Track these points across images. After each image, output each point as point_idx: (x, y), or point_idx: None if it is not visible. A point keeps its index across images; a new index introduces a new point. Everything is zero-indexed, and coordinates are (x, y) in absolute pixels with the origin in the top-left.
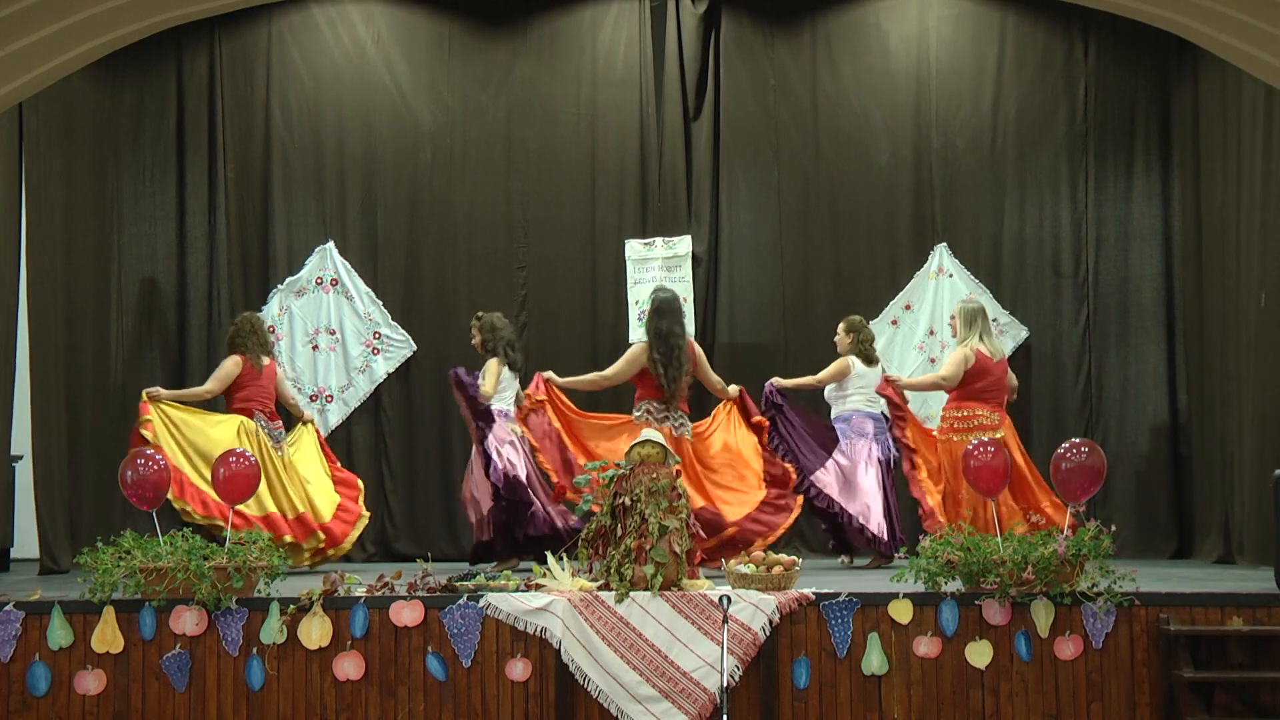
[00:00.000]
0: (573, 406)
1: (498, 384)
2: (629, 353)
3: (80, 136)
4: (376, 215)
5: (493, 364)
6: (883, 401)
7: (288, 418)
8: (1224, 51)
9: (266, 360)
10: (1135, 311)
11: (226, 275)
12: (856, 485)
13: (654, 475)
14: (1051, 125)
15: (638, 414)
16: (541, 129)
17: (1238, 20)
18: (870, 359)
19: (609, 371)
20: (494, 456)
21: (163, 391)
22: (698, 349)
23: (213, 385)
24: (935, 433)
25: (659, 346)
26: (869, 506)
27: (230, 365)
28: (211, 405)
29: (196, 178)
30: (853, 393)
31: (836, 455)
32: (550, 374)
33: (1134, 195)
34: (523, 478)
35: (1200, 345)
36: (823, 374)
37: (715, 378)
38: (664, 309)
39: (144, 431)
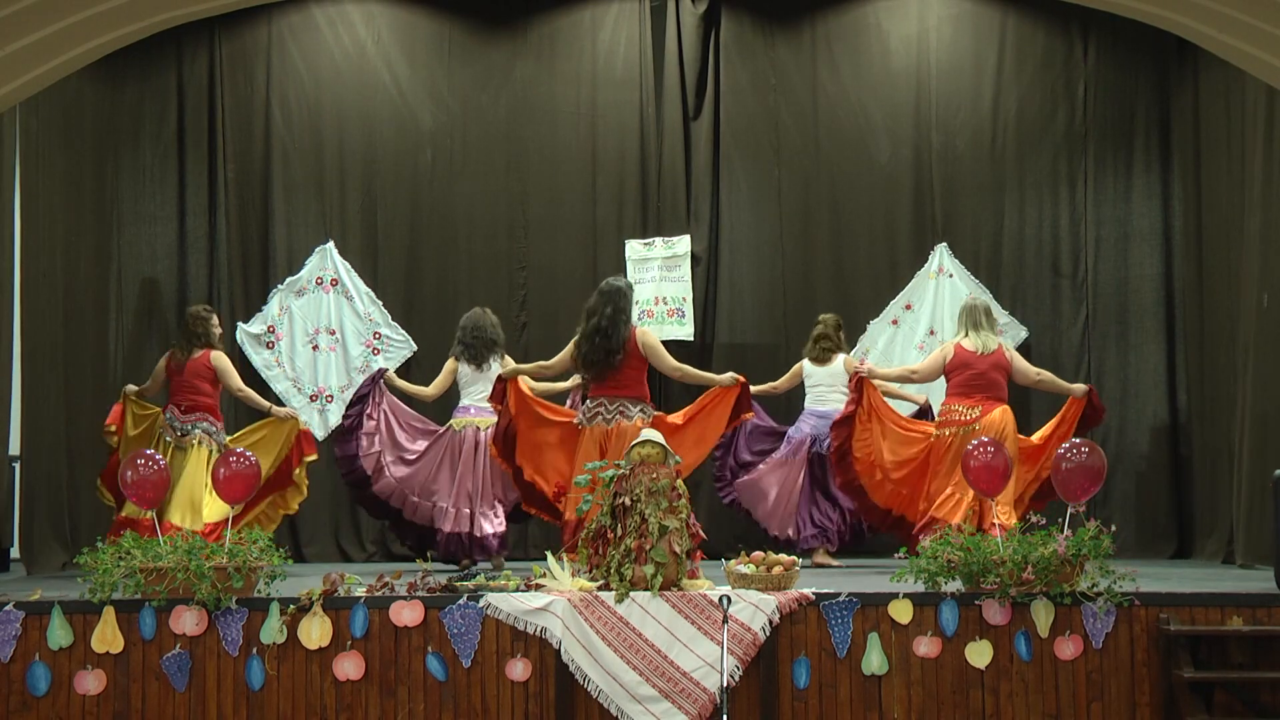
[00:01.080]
0: (538, 406)
1: (448, 382)
2: (571, 341)
3: (80, 136)
4: (376, 215)
5: (448, 363)
6: (832, 400)
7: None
8: (1224, 51)
9: (199, 352)
10: (1135, 311)
11: (226, 275)
12: (771, 487)
13: (654, 475)
14: (1051, 125)
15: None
16: (541, 129)
17: (1238, 20)
18: (821, 359)
19: (552, 360)
20: (359, 450)
21: (131, 387)
22: (645, 337)
23: (149, 382)
24: (932, 427)
25: (582, 325)
26: (772, 509)
27: (161, 361)
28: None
29: (196, 178)
30: (805, 392)
31: (770, 458)
32: (512, 366)
33: (1134, 195)
34: (384, 482)
35: (1200, 345)
36: (779, 381)
37: (673, 363)
38: (600, 290)
39: (110, 431)
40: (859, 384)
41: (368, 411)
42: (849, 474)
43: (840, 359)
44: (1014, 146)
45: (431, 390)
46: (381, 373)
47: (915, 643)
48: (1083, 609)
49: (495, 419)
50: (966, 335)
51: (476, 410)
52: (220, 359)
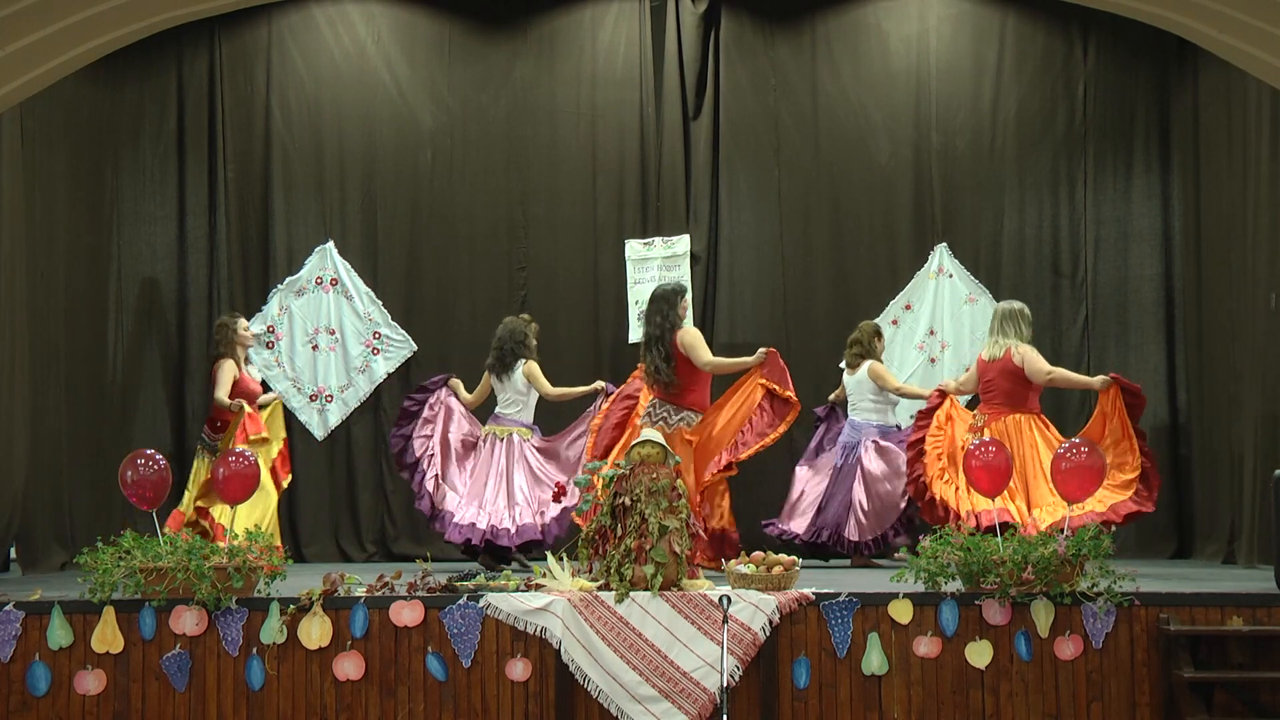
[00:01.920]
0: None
1: (484, 390)
2: None
3: (80, 136)
4: (376, 215)
5: (486, 373)
6: (861, 408)
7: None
8: (1224, 51)
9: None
10: (1135, 311)
11: (226, 275)
12: (796, 485)
13: (654, 475)
14: (1051, 125)
15: None
16: (541, 129)
17: (1238, 20)
18: (852, 365)
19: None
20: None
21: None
22: (684, 336)
23: None
24: None
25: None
26: (790, 506)
27: None
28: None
29: (196, 178)
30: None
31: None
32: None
33: (1133, 195)
34: (422, 469)
35: (1200, 345)
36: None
37: (708, 357)
38: (651, 297)
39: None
40: (941, 394)
41: (430, 401)
42: (918, 471)
43: (866, 366)
44: (1014, 146)
45: (471, 398)
46: (447, 378)
47: (915, 643)
48: (1083, 609)
49: (519, 428)
50: (987, 344)
51: (504, 419)
52: (219, 367)
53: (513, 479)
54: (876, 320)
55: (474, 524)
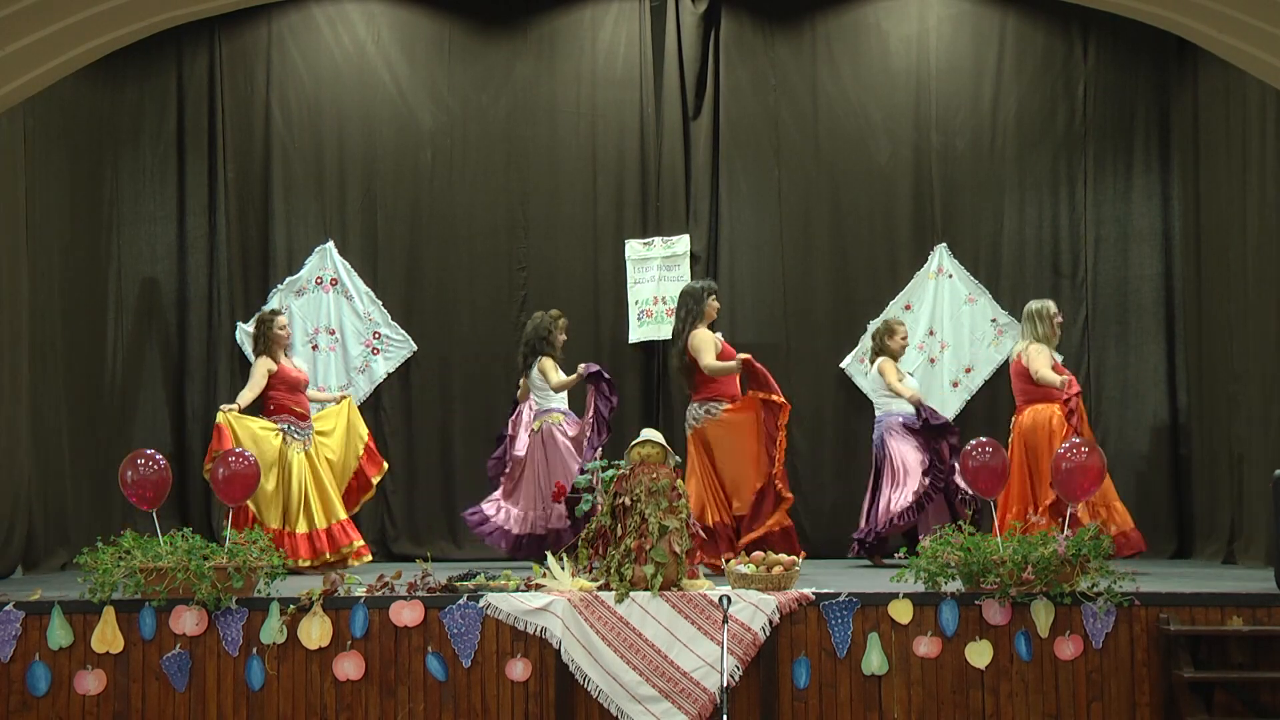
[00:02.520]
0: None
1: (525, 390)
2: None
3: (80, 136)
4: (376, 215)
5: None
6: (890, 403)
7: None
8: (1224, 51)
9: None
10: (1135, 311)
11: (226, 275)
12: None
13: (654, 475)
14: (1051, 125)
15: None
16: (541, 129)
17: (1238, 20)
18: (872, 362)
19: None
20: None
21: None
22: (693, 340)
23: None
24: None
25: None
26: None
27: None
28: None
29: (196, 178)
30: None
31: None
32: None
33: (1133, 195)
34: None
35: (1200, 345)
36: None
37: (706, 361)
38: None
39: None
40: None
41: (511, 418)
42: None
43: (878, 364)
44: (1014, 146)
45: (520, 395)
46: (516, 406)
47: (915, 643)
48: (1083, 609)
49: (541, 420)
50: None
51: (538, 413)
52: (255, 365)
53: (544, 474)
54: (876, 320)
55: (505, 529)
